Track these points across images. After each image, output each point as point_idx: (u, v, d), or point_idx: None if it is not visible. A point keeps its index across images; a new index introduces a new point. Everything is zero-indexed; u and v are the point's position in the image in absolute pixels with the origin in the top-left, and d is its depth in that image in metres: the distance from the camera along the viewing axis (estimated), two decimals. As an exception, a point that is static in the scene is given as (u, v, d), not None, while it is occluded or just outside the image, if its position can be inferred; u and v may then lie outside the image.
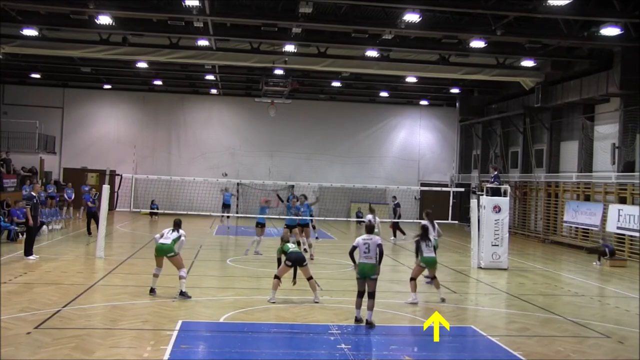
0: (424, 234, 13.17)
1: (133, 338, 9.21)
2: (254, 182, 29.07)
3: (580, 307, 13.11)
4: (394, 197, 30.30)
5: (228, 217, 28.27)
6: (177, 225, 12.58)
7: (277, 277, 12.04)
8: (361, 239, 10.70)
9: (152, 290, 12.25)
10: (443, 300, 12.86)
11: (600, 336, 10.54)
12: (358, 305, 10.59)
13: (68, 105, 36.55)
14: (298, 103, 36.32)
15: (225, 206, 28.48)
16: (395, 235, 24.87)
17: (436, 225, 15.31)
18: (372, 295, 10.37)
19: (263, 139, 37.27)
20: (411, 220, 30.67)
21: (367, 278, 10.45)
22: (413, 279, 12.77)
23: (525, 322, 11.22)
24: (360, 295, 10.57)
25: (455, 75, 27.05)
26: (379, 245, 10.59)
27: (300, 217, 18.83)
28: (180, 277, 12.13)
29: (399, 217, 25.21)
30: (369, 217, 16.91)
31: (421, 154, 38.73)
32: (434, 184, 35.21)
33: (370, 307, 10.28)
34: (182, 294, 12.03)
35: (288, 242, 12.55)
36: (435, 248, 13.30)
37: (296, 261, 12.00)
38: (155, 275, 12.37)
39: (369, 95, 37.24)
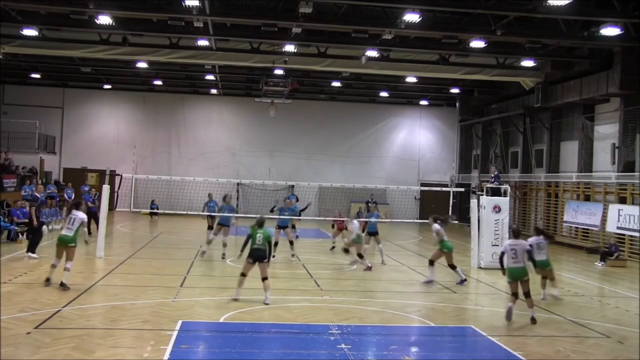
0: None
1: (133, 338, 9.21)
2: (254, 182, 29.01)
3: (580, 307, 13.10)
4: (372, 195, 30.27)
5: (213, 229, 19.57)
6: (75, 207, 12.99)
7: (242, 274, 12.02)
8: (508, 244, 11.14)
9: (47, 280, 12.54)
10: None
11: (600, 336, 10.54)
12: (512, 300, 11.14)
13: (68, 105, 36.53)
14: (298, 103, 36.28)
15: (212, 217, 20.16)
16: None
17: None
18: (528, 294, 11.12)
19: (263, 139, 37.23)
20: (410, 221, 30.72)
21: (520, 280, 11.11)
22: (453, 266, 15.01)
23: (525, 322, 11.19)
24: (514, 296, 11.16)
25: (455, 75, 27.02)
26: (528, 251, 11.20)
27: (293, 217, 18.88)
28: (66, 269, 12.43)
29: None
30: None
31: (421, 154, 38.71)
32: (434, 184, 35.18)
33: (531, 305, 11.07)
34: (62, 285, 12.27)
35: (262, 226, 12.18)
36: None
37: (257, 258, 11.99)
38: (53, 266, 12.65)
39: (369, 95, 37.19)
